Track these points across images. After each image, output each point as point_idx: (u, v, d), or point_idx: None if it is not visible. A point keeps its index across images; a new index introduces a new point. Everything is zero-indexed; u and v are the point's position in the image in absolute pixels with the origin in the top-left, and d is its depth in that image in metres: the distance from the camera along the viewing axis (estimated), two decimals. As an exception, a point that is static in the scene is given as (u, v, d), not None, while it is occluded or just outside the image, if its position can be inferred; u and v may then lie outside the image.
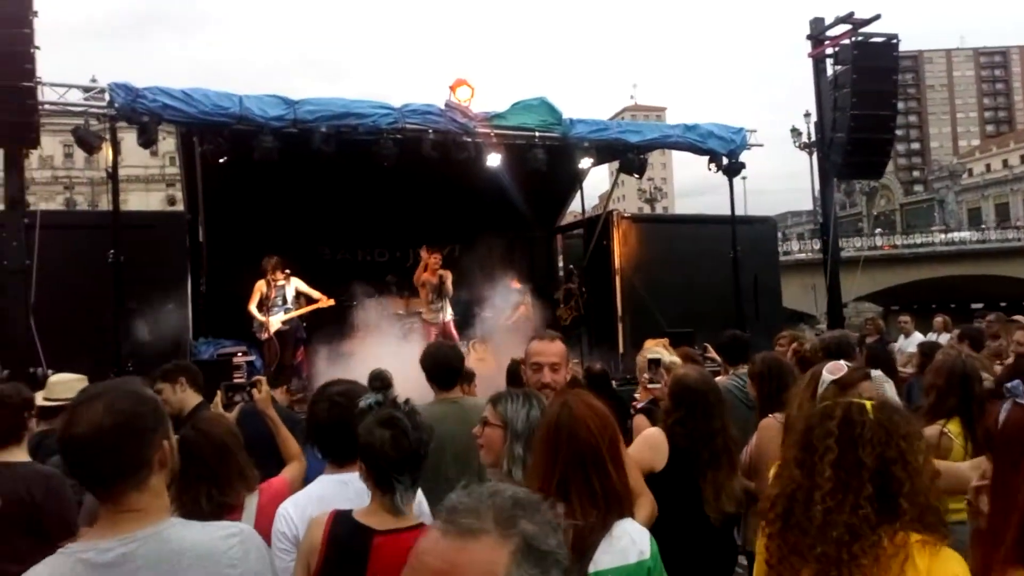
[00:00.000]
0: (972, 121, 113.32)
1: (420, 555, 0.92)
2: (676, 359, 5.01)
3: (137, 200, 56.20)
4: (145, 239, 8.32)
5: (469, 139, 8.68)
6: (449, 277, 10.32)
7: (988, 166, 79.19)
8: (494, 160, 9.18)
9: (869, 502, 1.70)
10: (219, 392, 3.72)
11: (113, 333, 7.29)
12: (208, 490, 2.56)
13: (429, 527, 0.96)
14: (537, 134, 8.99)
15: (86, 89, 7.89)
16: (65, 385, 4.16)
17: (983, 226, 55.27)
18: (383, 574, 1.98)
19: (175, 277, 8.53)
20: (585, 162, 10.10)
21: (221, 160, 8.35)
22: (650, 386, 4.52)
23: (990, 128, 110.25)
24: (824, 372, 2.52)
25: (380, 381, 4.95)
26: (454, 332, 10.53)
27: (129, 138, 7.74)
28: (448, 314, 10.23)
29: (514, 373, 5.44)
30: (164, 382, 3.87)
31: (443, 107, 8.59)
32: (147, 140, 7.54)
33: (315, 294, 9.67)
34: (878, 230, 56.28)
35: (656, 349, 5.03)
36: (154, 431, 1.59)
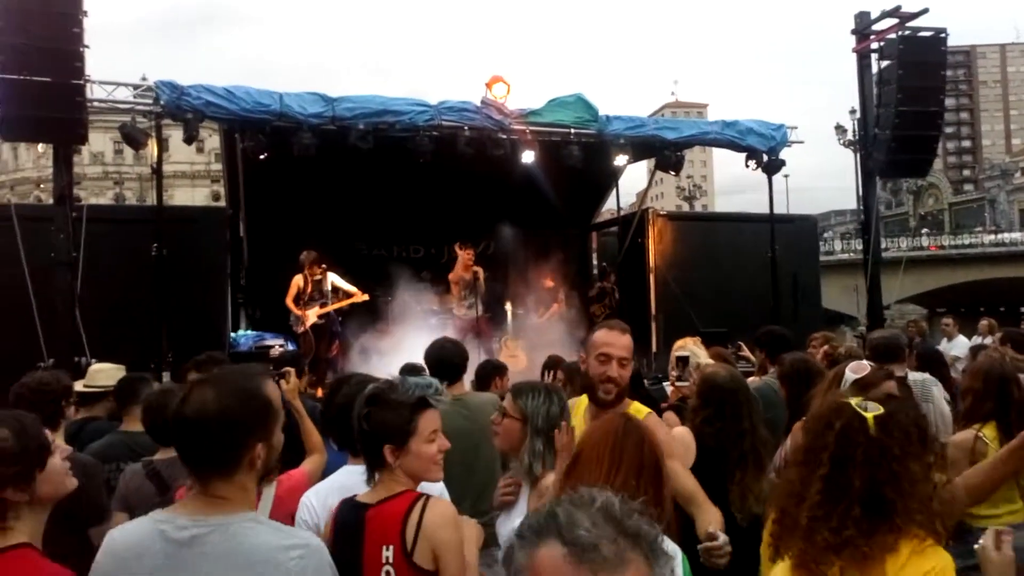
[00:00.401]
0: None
1: None
2: (706, 358, 4.95)
3: (183, 195, 57.52)
4: (188, 233, 8.51)
5: (504, 136, 8.70)
6: (482, 274, 10.36)
7: (1043, 165, 76.50)
8: (529, 157, 9.18)
9: (855, 522, 1.69)
10: None
11: (155, 325, 7.48)
12: None
13: (563, 563, 0.97)
14: (572, 131, 8.96)
15: (134, 87, 8.12)
16: (105, 374, 4.31)
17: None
18: (373, 541, 2.06)
19: (216, 270, 8.71)
20: (621, 159, 10.02)
21: (262, 156, 8.51)
22: (678, 384, 4.49)
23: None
24: (847, 371, 2.48)
25: (413, 373, 5.01)
26: (486, 329, 10.58)
27: (176, 135, 7.96)
28: (480, 310, 10.27)
29: (551, 369, 5.46)
30: (197, 372, 3.96)
31: (479, 104, 8.62)
32: (190, 136, 7.71)
33: (351, 289, 9.80)
34: (924, 230, 54.76)
35: (688, 347, 4.97)
36: (251, 432, 1.67)
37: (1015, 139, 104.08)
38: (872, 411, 1.76)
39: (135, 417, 3.61)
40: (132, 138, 7.86)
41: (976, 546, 1.82)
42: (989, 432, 3.23)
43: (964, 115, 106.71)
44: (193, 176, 61.25)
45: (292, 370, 3.69)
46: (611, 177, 11.87)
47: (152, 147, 8.21)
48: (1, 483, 1.70)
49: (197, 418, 1.63)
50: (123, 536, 1.68)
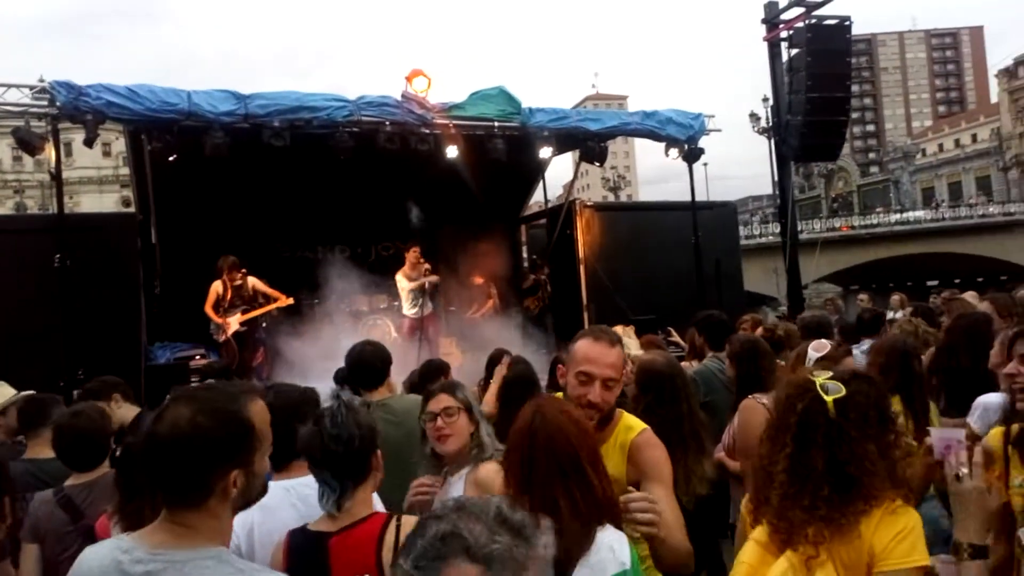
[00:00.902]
0: (924, 102, 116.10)
1: None
2: (636, 348, 5.00)
3: (90, 202, 54.82)
4: (94, 242, 8.03)
5: (427, 131, 8.55)
6: (429, 270, 10.21)
7: (941, 146, 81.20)
8: (453, 152, 9.06)
9: (825, 501, 1.75)
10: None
11: (63, 340, 7.04)
12: (152, 500, 2.44)
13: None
14: (496, 124, 8.88)
15: (28, 88, 7.59)
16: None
17: (935, 205, 56.62)
18: (344, 571, 1.94)
19: (127, 280, 8.25)
20: (545, 151, 10.02)
21: (171, 158, 8.11)
22: (614, 373, 4.51)
23: (942, 109, 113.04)
24: (810, 350, 2.52)
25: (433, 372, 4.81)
26: (434, 328, 10.43)
27: (80, 139, 7.46)
28: (428, 308, 10.13)
29: (495, 361, 5.36)
30: (97, 401, 3.70)
31: (399, 99, 8.44)
32: (91, 139, 7.27)
33: (273, 293, 9.48)
34: (836, 212, 57.29)
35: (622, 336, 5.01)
36: (226, 459, 1.53)
37: (915, 122, 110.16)
38: (833, 394, 1.81)
39: (42, 442, 3.37)
40: (27, 143, 7.35)
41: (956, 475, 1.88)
42: (894, 405, 3.34)
43: (868, 100, 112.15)
44: (100, 181, 58.51)
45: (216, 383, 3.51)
46: (537, 170, 11.88)
47: (50, 152, 7.70)
48: None
49: (169, 438, 1.50)
50: (88, 560, 1.57)
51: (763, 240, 38.75)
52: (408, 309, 10.13)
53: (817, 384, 1.85)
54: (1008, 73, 70.07)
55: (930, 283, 36.14)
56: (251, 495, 1.62)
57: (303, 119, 7.97)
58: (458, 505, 1.05)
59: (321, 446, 2.05)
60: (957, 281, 34.07)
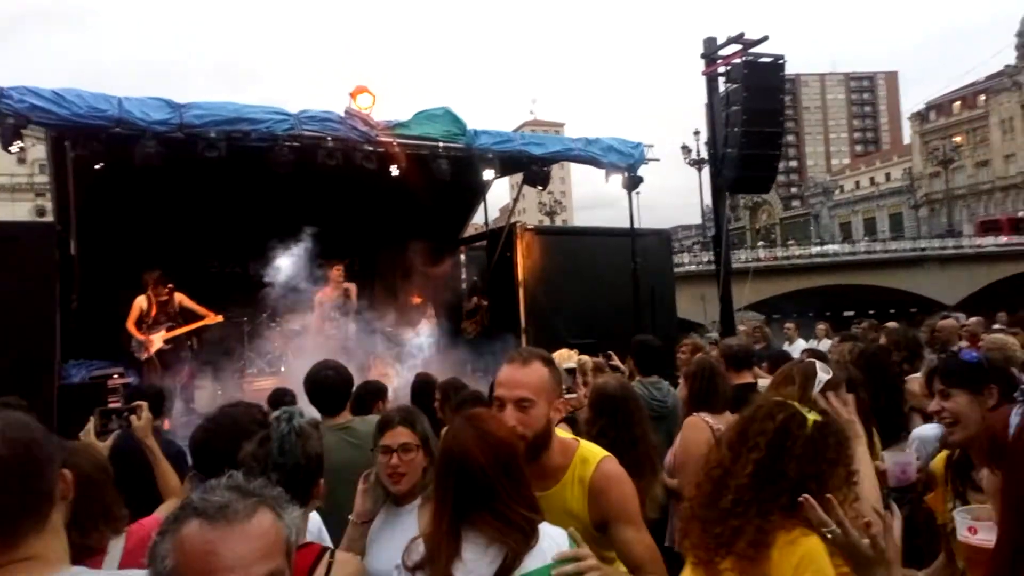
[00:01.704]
0: (843, 141, 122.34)
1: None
2: (592, 365, 4.96)
3: (2, 211, 51.87)
4: (6, 252, 7.53)
5: (370, 148, 8.41)
6: (354, 290, 9.97)
7: (857, 183, 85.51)
8: (396, 170, 8.94)
9: (781, 511, 1.78)
10: (92, 418, 3.35)
11: (-33, 356, 6.54)
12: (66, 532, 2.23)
13: (202, 530, 1.17)
14: (441, 144, 8.81)
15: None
16: None
17: (854, 239, 59.48)
18: None
19: (42, 293, 7.74)
20: (488, 173, 10.01)
21: (97, 166, 7.70)
22: (567, 396, 4.47)
23: (859, 148, 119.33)
24: (820, 372, 2.53)
25: (282, 400, 4.65)
26: (360, 347, 10.16)
27: (14, 144, 6.99)
28: (353, 329, 9.87)
29: (420, 389, 5.25)
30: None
31: (343, 114, 8.28)
32: (6, 142, 6.83)
33: (201, 310, 9.09)
34: (760, 243, 59.46)
35: (574, 358, 4.99)
36: (52, 460, 1.41)
37: (834, 160, 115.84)
38: (812, 416, 1.87)
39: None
40: (-65, 144, 6.86)
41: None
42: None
43: (791, 138, 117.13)
44: (13, 189, 55.60)
45: (144, 404, 3.30)
46: (478, 192, 11.85)
47: (-39, 154, 7.20)
48: None
49: None
50: None
51: (692, 268, 39.74)
52: (327, 329, 9.87)
53: (796, 405, 1.90)
54: (920, 117, 74.60)
55: (847, 313, 37.74)
56: (124, 518, 1.62)
57: (241, 131, 7.72)
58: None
59: (262, 471, 1.91)
60: (871, 312, 35.67)
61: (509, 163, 10.05)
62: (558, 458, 2.24)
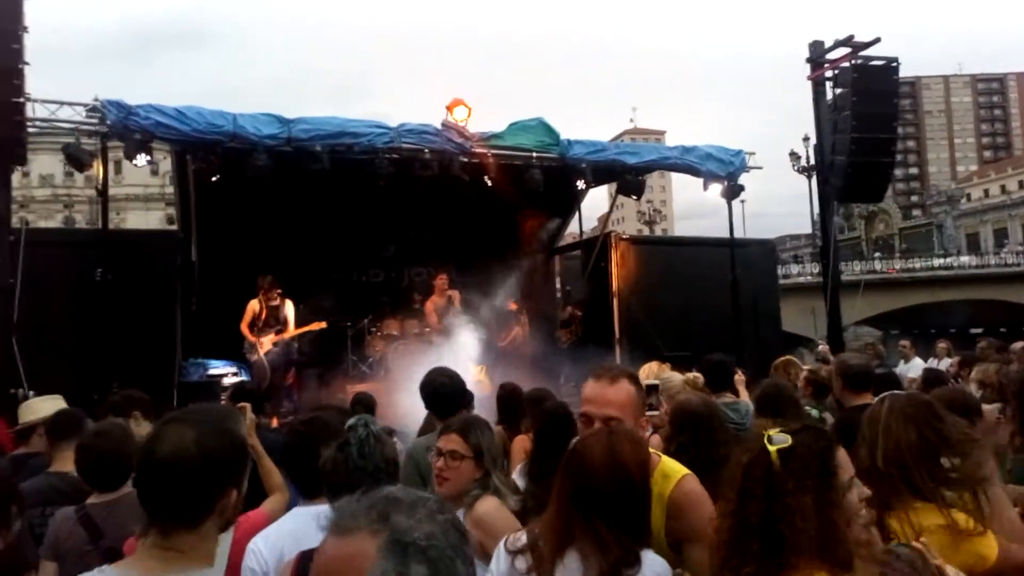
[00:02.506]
0: (970, 147, 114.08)
1: (317, 555, 1.06)
2: (680, 379, 4.77)
3: (136, 219, 56.25)
4: (135, 257, 8.19)
5: (465, 159, 8.60)
6: (458, 297, 10.23)
7: (986, 191, 79.49)
8: (490, 180, 9.09)
9: (753, 558, 1.64)
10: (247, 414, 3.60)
11: (99, 353, 7.14)
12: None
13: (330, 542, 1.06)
14: (534, 155, 8.91)
15: (80, 106, 7.81)
16: (42, 404, 4.06)
17: (982, 251, 55.28)
18: None
19: (165, 296, 8.37)
20: (582, 183, 10.01)
21: (214, 178, 8.26)
22: (649, 413, 4.36)
23: (988, 154, 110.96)
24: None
25: (362, 405, 4.81)
26: (465, 352, 10.37)
27: (140, 157, 7.65)
28: (458, 335, 10.09)
29: (506, 400, 5.27)
30: (116, 416, 3.69)
31: (439, 127, 8.52)
32: (131, 156, 7.48)
33: (293, 332, 9.46)
34: (876, 254, 56.27)
35: (663, 373, 4.82)
36: (229, 478, 1.55)
37: (959, 166, 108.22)
38: (777, 444, 1.71)
39: (67, 456, 3.36)
40: (76, 159, 7.55)
41: None
42: None
43: (911, 143, 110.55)
44: (147, 199, 59.99)
45: (247, 405, 3.47)
46: (573, 201, 11.86)
47: (98, 169, 7.89)
48: None
49: (173, 460, 1.47)
50: None
51: (800, 280, 38.15)
52: (438, 336, 10.11)
53: (765, 436, 1.75)
54: (1058, 119, 68.58)
55: (974, 330, 35.12)
56: (235, 516, 1.62)
57: (345, 144, 8.08)
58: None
59: (345, 473, 2.00)
60: (1003, 330, 33.07)
61: (603, 172, 10.01)
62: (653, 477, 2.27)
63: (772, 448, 1.69)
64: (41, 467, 3.66)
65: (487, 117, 9.32)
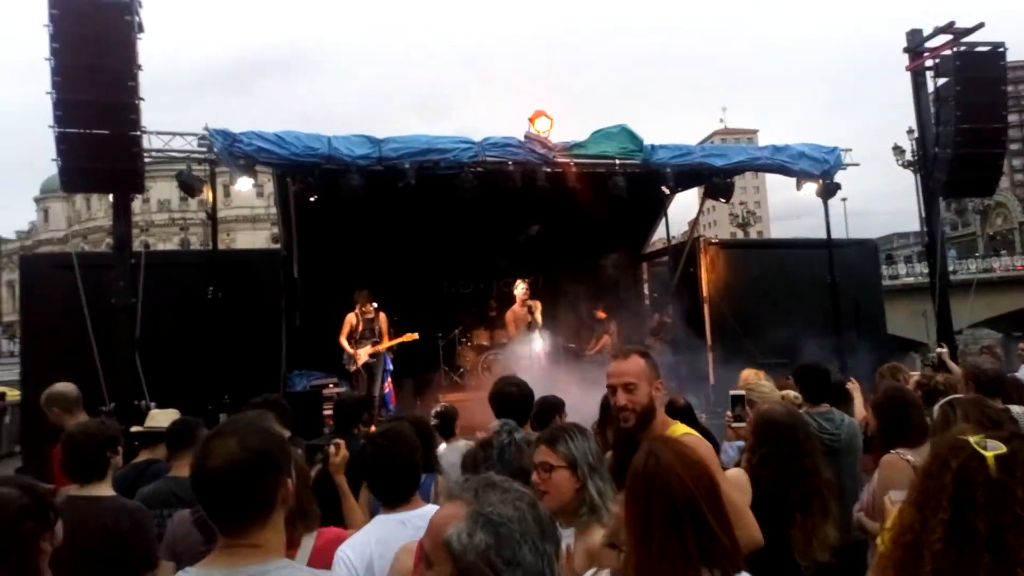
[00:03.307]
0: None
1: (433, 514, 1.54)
2: (772, 390, 4.61)
3: (245, 238, 59.52)
4: (242, 276, 8.71)
5: (549, 169, 8.68)
6: (538, 307, 10.33)
7: (1120, 178, 72.77)
8: (574, 189, 9.14)
9: (986, 571, 1.53)
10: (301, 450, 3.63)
11: (212, 366, 7.62)
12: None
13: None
14: (618, 162, 8.88)
15: (192, 136, 8.41)
16: (164, 416, 4.40)
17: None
18: None
19: (271, 311, 8.85)
20: (668, 188, 9.89)
21: (312, 199, 8.68)
22: (735, 425, 4.27)
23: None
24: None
25: (443, 417, 4.89)
26: (543, 363, 10.47)
27: (243, 181, 8.18)
28: (539, 345, 10.20)
29: (607, 407, 5.28)
30: (279, 420, 3.93)
31: (522, 139, 8.64)
32: (237, 180, 7.99)
33: (387, 342, 9.77)
34: (996, 251, 52.47)
35: (750, 382, 4.69)
36: (281, 469, 1.66)
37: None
38: (992, 450, 1.61)
39: (185, 462, 3.62)
40: (188, 185, 8.12)
41: None
42: None
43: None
44: (254, 220, 63.28)
45: (341, 443, 3.42)
46: (659, 206, 11.74)
47: (208, 193, 8.45)
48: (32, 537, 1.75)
49: (228, 468, 1.59)
50: None
51: (910, 280, 36.11)
52: (519, 346, 10.23)
53: (973, 441, 1.65)
54: None
55: (1110, 331, 32.17)
56: (293, 500, 1.72)
57: (432, 160, 8.32)
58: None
59: (483, 470, 2.08)
60: None
61: (689, 176, 9.86)
62: (660, 431, 2.69)
63: (988, 454, 1.61)
64: (160, 473, 3.96)
65: (570, 127, 9.39)
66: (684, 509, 1.77)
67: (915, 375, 5.74)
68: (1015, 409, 4.18)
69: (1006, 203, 63.79)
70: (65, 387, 4.91)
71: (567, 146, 8.73)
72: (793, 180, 9.80)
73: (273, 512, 1.64)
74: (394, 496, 2.38)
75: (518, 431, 2.25)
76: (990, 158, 9.21)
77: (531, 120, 8.70)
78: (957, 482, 1.60)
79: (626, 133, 8.89)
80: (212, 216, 8.58)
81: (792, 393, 4.56)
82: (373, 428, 6.73)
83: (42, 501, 1.80)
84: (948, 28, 9.03)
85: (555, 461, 2.35)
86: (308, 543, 2.52)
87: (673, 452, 1.88)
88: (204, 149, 8.03)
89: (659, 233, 13.02)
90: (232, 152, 7.78)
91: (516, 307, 10.41)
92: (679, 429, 2.79)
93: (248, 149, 7.79)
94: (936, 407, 3.41)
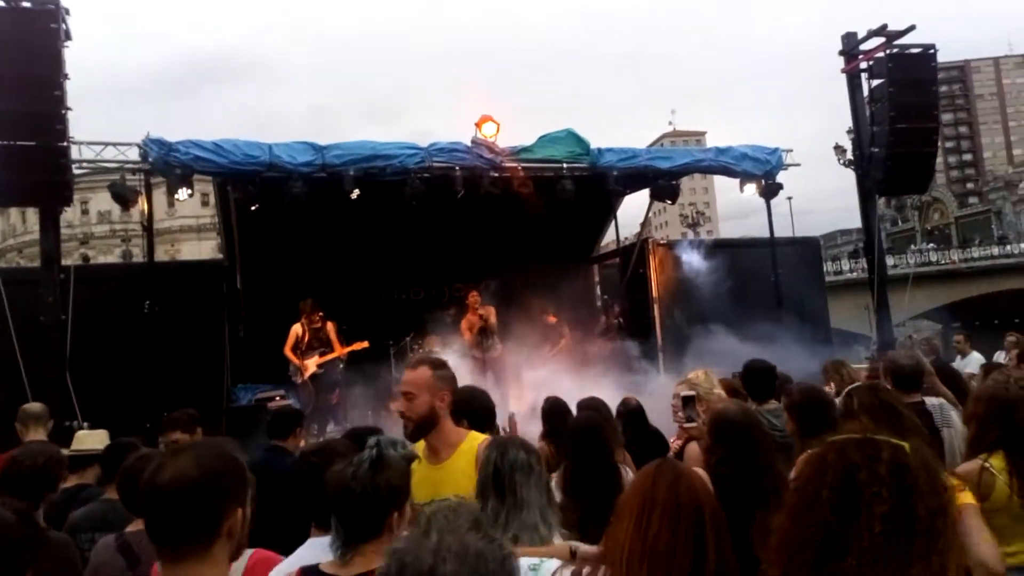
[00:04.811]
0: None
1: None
2: (719, 388, 4.67)
3: (190, 249, 57.98)
4: (181, 288, 8.45)
5: (496, 174, 8.65)
6: (492, 313, 10.27)
7: (1047, 174, 76.27)
8: (522, 194, 9.12)
9: (919, 558, 1.51)
10: None
11: (151, 383, 7.36)
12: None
13: None
14: (565, 165, 8.90)
15: (125, 146, 8.12)
16: (93, 438, 4.21)
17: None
18: None
19: (213, 324, 8.62)
20: (615, 191, 9.96)
21: (253, 207, 8.47)
22: (686, 425, 4.27)
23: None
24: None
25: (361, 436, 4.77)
26: (503, 369, 10.42)
27: (181, 191, 7.91)
28: (498, 350, 10.14)
29: (549, 413, 5.25)
30: (184, 432, 3.82)
31: (469, 144, 8.59)
32: (174, 190, 7.75)
33: (339, 350, 9.59)
34: (931, 245, 54.44)
35: (700, 381, 4.71)
36: (233, 497, 1.57)
37: (1016, 150, 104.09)
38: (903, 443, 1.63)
39: (120, 486, 3.48)
40: (121, 196, 7.86)
41: None
42: (996, 463, 3.01)
43: (963, 129, 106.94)
44: (200, 230, 61.74)
45: None
46: (608, 209, 11.80)
47: (143, 204, 8.18)
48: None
49: (176, 484, 1.51)
50: None
51: (853, 276, 37.11)
52: (477, 353, 10.16)
53: (883, 436, 1.64)
54: (1121, 94, 65.62)
55: (1037, 320, 33.62)
56: (245, 540, 1.62)
57: (377, 167, 8.22)
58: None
59: (335, 493, 1.96)
60: (1073, 318, 31.56)
61: (636, 179, 9.95)
62: (453, 438, 2.86)
63: (907, 446, 1.62)
64: (91, 498, 3.80)
65: (517, 131, 9.38)
66: (685, 513, 1.84)
67: (861, 367, 5.85)
68: (931, 401, 4.27)
69: (943, 199, 66.22)
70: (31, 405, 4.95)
71: (514, 150, 8.72)
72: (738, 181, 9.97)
73: (216, 542, 1.53)
74: (326, 517, 2.28)
75: (391, 446, 2.09)
76: (923, 157, 9.53)
77: (478, 125, 8.66)
78: (894, 471, 1.56)
79: (572, 137, 8.93)
80: (148, 227, 8.31)
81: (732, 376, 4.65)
82: (302, 443, 6.58)
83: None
84: (881, 31, 9.32)
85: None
86: (239, 567, 2.41)
87: (694, 478, 1.93)
88: (139, 159, 7.77)
89: (610, 236, 13.13)
90: (168, 162, 7.56)
91: (469, 315, 10.33)
92: (476, 438, 2.85)
93: (185, 158, 7.57)
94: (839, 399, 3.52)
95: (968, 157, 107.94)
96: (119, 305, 7.88)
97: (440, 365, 2.93)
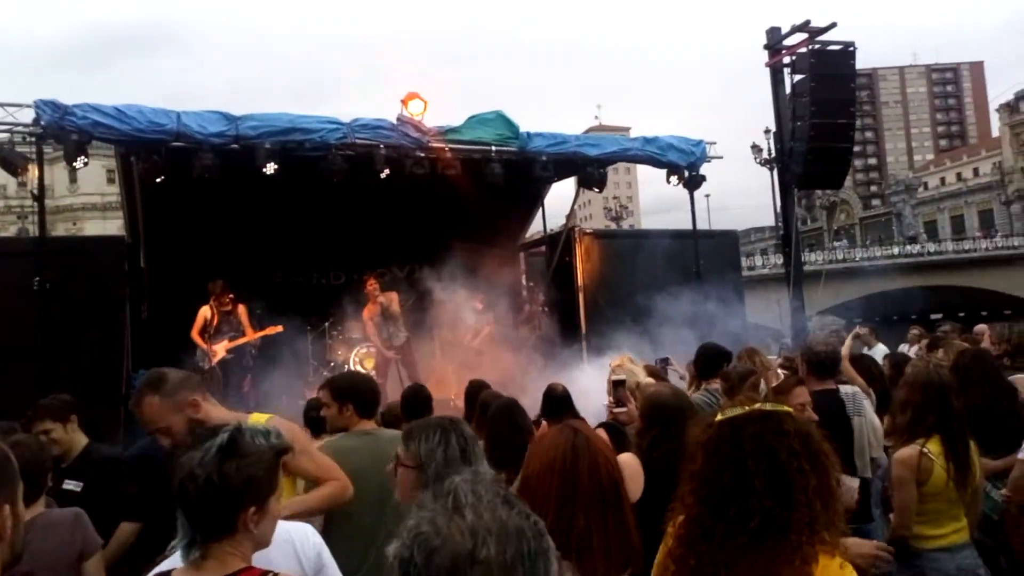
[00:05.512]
0: (926, 136, 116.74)
1: None
2: (643, 377, 4.70)
3: (95, 228, 54.75)
4: (77, 265, 7.83)
5: (423, 154, 8.37)
6: (394, 299, 9.98)
7: (943, 179, 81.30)
8: (449, 176, 8.88)
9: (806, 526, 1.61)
10: None
11: (42, 366, 6.78)
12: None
13: None
14: (493, 148, 8.71)
15: (14, 107, 7.42)
16: None
17: (940, 238, 56.48)
18: None
19: (111, 304, 8.02)
20: (544, 177, 9.84)
21: (158, 180, 7.92)
22: (616, 410, 4.21)
23: (943, 143, 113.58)
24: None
25: (316, 409, 4.49)
26: (412, 356, 10.16)
27: (85, 164, 7.23)
28: (402, 337, 9.86)
29: (472, 396, 5.11)
30: (55, 421, 3.44)
31: (395, 121, 8.27)
32: (71, 159, 7.09)
33: (251, 335, 9.16)
34: (837, 243, 57.18)
35: (625, 366, 4.73)
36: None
37: (916, 156, 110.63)
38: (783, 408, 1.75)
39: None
40: (9, 163, 7.18)
41: None
42: (933, 447, 3.05)
43: (869, 134, 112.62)
44: (104, 208, 58.52)
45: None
46: (536, 196, 11.70)
47: (33, 173, 7.51)
48: None
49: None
50: None
51: (766, 271, 38.54)
52: (382, 343, 9.91)
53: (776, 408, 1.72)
54: (1009, 108, 70.39)
55: (934, 316, 35.77)
56: (17, 546, 1.51)
57: (295, 141, 7.80)
58: None
59: (178, 481, 1.68)
60: (962, 315, 33.72)
61: (565, 165, 9.85)
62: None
63: (783, 409, 1.76)
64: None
65: (446, 113, 9.14)
66: (610, 494, 1.87)
67: (773, 358, 6.00)
68: (845, 389, 4.38)
69: (848, 200, 69.62)
70: None
71: (442, 130, 8.45)
72: (663, 175, 10.04)
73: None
74: None
75: (251, 435, 1.82)
76: (840, 152, 9.83)
77: (404, 102, 8.35)
78: (801, 440, 1.65)
79: (502, 119, 8.74)
80: (40, 197, 7.63)
81: (637, 367, 4.75)
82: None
83: None
84: (804, 27, 9.52)
85: (404, 459, 2.21)
86: None
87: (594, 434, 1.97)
88: (28, 122, 7.10)
89: (536, 226, 13.03)
90: (63, 126, 6.94)
91: (370, 304, 10.02)
92: (261, 418, 2.77)
93: (82, 123, 6.97)
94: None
95: (873, 161, 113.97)
96: (6, 282, 7.21)
97: (157, 384, 2.67)
